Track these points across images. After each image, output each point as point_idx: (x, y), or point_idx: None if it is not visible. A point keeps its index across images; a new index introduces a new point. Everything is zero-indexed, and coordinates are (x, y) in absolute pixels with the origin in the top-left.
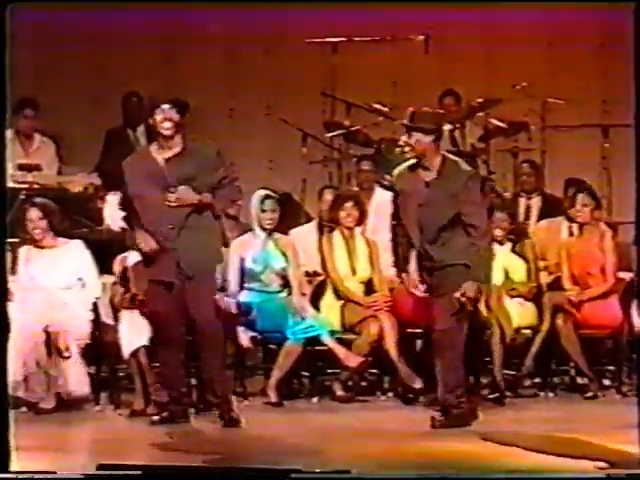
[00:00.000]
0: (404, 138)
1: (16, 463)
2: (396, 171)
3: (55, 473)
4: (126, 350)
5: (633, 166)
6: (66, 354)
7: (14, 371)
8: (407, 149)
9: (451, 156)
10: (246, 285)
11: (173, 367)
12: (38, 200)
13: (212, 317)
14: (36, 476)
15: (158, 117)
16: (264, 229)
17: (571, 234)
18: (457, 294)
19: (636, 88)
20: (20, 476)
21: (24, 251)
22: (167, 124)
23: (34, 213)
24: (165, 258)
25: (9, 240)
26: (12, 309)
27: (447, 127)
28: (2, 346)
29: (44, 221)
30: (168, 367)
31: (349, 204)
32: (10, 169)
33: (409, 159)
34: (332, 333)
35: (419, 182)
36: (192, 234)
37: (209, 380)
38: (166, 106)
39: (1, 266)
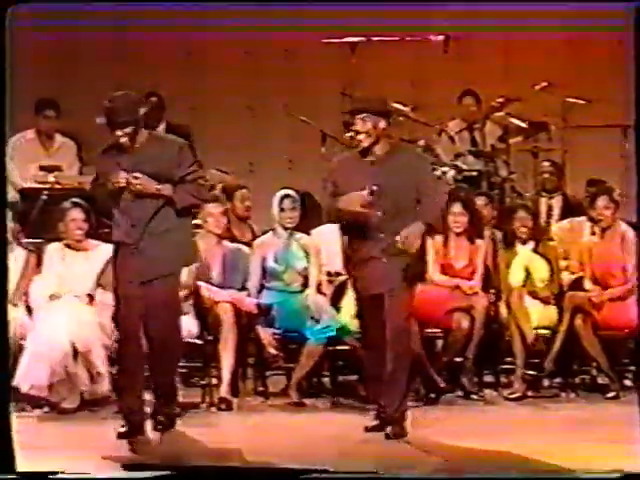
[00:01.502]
0: (357, 127)
1: (23, 463)
2: (335, 159)
3: (58, 474)
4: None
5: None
6: (97, 378)
7: (39, 376)
8: (361, 137)
9: (402, 144)
10: (267, 284)
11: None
12: (79, 201)
13: (169, 329)
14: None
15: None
16: (285, 228)
17: (593, 233)
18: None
19: (636, 88)
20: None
21: (56, 251)
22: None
23: (78, 214)
24: (127, 257)
25: (30, 240)
26: (37, 312)
27: (451, 124)
28: (2, 348)
29: (87, 223)
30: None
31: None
32: (31, 170)
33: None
34: (352, 333)
35: (363, 164)
36: (156, 234)
37: (160, 383)
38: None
39: (1, 266)
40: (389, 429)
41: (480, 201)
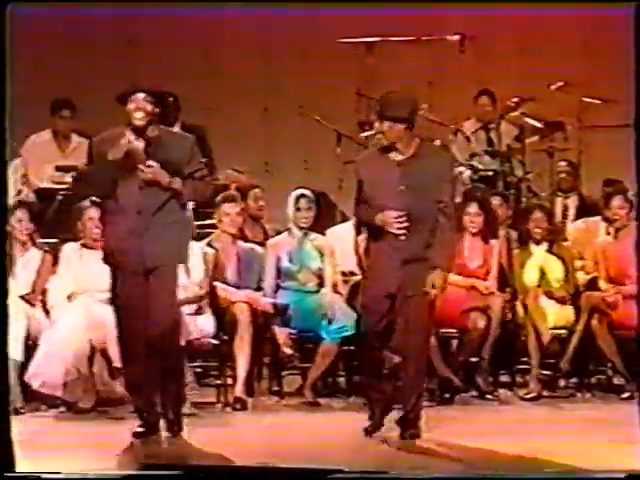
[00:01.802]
0: (376, 125)
1: (24, 463)
2: (360, 157)
3: (59, 473)
4: None
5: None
6: (115, 374)
7: (52, 374)
8: (379, 136)
9: (429, 144)
10: (283, 284)
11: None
12: (97, 200)
13: (167, 320)
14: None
15: (131, 106)
16: (300, 228)
17: (608, 233)
18: (426, 289)
19: (636, 88)
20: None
21: (73, 251)
22: (139, 114)
23: (95, 213)
24: (128, 245)
25: (46, 241)
26: (54, 311)
27: (467, 124)
28: (2, 349)
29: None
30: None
31: None
32: (48, 170)
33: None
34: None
35: (390, 164)
36: (162, 224)
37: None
38: (140, 95)
39: (1, 266)
40: (403, 430)
41: (495, 201)
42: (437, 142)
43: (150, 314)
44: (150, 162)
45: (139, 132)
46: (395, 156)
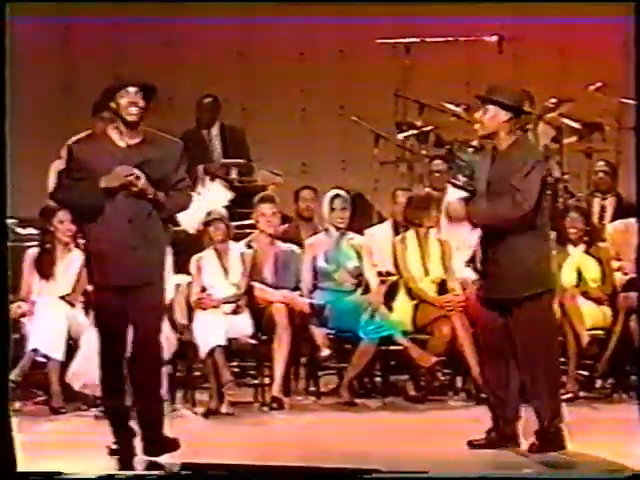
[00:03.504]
0: (477, 114)
1: (24, 464)
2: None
3: (61, 474)
4: (203, 349)
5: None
6: None
7: (92, 375)
8: (477, 126)
9: (526, 139)
10: (320, 285)
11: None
12: None
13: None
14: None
15: (123, 101)
16: (337, 228)
17: None
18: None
19: (636, 88)
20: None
21: None
22: (133, 109)
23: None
24: (118, 257)
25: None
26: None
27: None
28: (3, 348)
29: None
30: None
31: (423, 205)
32: None
33: (476, 140)
34: (404, 333)
35: (485, 160)
36: (149, 237)
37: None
38: (132, 89)
39: (1, 266)
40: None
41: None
42: (474, 142)
43: (136, 328)
44: (138, 173)
45: (132, 126)
46: (491, 152)
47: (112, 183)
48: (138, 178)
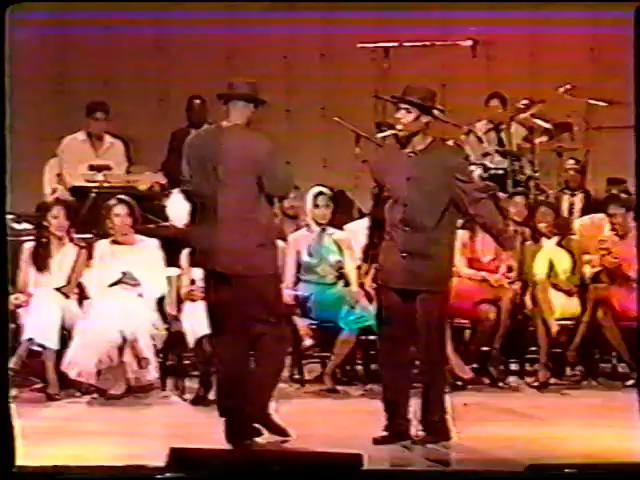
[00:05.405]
0: (396, 114)
1: (23, 458)
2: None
3: (62, 473)
4: (191, 339)
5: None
6: (144, 364)
7: (87, 363)
8: (398, 126)
9: (442, 141)
10: (303, 277)
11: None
12: (124, 197)
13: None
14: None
15: None
16: (319, 224)
17: (612, 230)
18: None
19: (636, 88)
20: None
21: (106, 247)
22: None
23: (122, 209)
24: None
25: (81, 236)
26: (89, 303)
27: (479, 125)
28: (3, 343)
29: (130, 218)
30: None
31: None
32: (81, 169)
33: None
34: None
35: (404, 153)
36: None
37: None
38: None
39: (1, 266)
40: (433, 437)
41: (519, 199)
42: (450, 142)
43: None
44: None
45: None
46: (410, 147)
47: None
48: None
